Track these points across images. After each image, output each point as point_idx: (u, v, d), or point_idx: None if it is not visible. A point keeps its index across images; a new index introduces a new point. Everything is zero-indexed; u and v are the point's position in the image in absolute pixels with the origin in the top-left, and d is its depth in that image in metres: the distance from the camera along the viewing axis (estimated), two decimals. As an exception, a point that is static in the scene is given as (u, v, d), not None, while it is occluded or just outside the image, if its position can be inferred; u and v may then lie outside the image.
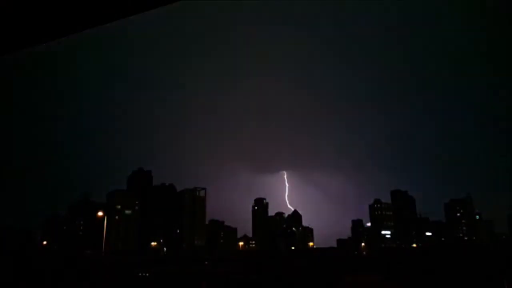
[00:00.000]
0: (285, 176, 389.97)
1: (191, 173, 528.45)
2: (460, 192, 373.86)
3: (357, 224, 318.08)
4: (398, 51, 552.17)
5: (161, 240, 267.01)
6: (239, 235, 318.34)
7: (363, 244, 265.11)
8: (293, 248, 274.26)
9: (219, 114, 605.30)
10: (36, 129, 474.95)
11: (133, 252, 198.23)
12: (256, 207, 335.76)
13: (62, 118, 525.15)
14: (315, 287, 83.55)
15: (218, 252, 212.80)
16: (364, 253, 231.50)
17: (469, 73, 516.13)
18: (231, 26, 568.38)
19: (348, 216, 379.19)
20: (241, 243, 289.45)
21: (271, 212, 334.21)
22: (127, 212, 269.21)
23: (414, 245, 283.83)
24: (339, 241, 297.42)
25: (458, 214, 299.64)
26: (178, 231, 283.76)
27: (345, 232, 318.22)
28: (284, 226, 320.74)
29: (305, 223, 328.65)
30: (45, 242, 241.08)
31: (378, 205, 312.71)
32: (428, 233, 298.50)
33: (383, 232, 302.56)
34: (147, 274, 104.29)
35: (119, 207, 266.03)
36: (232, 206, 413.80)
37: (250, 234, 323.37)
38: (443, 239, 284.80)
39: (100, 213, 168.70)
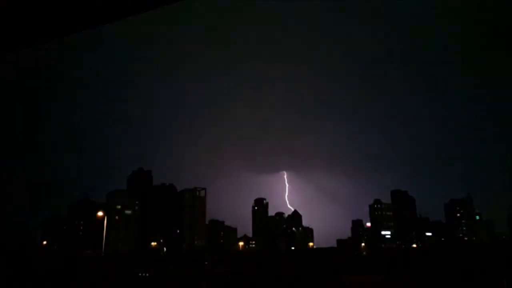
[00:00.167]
0: (285, 176, 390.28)
1: (191, 173, 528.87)
2: (460, 192, 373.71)
3: (357, 224, 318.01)
4: (398, 48, 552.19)
5: (161, 240, 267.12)
6: (239, 235, 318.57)
7: (363, 244, 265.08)
8: (293, 248, 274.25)
9: (219, 114, 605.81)
10: (36, 129, 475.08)
11: (133, 252, 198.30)
12: (256, 207, 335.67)
13: (62, 118, 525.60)
14: (315, 287, 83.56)
15: (218, 252, 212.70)
16: (364, 253, 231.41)
17: (469, 74, 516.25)
18: (231, 26, 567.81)
19: (348, 216, 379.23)
20: (241, 243, 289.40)
21: (271, 212, 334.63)
22: (127, 212, 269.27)
23: (414, 245, 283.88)
24: (339, 241, 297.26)
25: (458, 214, 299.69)
26: (178, 231, 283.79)
27: (345, 232, 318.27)
28: (284, 226, 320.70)
29: (305, 223, 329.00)
30: (45, 242, 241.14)
31: (378, 205, 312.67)
32: (428, 233, 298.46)
33: (383, 232, 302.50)
34: (147, 274, 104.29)
35: (119, 207, 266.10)
36: (232, 206, 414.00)
37: (250, 234, 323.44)
38: (443, 239, 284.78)
39: (100, 213, 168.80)
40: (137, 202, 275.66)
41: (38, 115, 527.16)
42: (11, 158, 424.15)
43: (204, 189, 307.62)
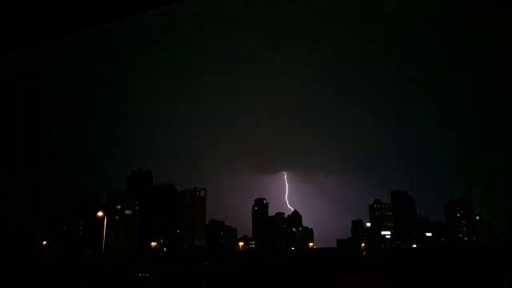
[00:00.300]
0: (285, 177, 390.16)
1: (191, 173, 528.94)
2: (460, 192, 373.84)
3: (357, 225, 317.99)
4: (397, 51, 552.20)
5: (161, 240, 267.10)
6: (239, 235, 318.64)
7: (363, 244, 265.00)
8: (293, 248, 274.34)
9: (219, 115, 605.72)
10: (35, 129, 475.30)
11: (133, 252, 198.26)
12: (256, 207, 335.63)
13: (62, 118, 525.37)
14: (315, 287, 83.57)
15: (218, 252, 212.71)
16: (364, 253, 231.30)
17: (469, 74, 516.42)
18: (232, 25, 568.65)
19: (348, 217, 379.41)
20: (241, 243, 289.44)
21: (271, 212, 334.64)
22: (127, 212, 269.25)
23: (414, 245, 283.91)
24: (339, 241, 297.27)
25: (458, 215, 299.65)
26: (178, 231, 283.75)
27: (345, 232, 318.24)
28: (284, 226, 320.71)
29: (305, 223, 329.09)
30: (45, 242, 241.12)
31: (378, 206, 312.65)
32: (428, 234, 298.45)
33: (383, 232, 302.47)
34: (147, 274, 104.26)
35: (119, 207, 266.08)
36: (232, 206, 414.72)
37: (250, 234, 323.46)
38: (443, 239, 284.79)
39: (100, 213, 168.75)
40: (137, 202, 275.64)
41: (38, 115, 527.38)
42: (11, 158, 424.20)
43: (204, 189, 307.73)
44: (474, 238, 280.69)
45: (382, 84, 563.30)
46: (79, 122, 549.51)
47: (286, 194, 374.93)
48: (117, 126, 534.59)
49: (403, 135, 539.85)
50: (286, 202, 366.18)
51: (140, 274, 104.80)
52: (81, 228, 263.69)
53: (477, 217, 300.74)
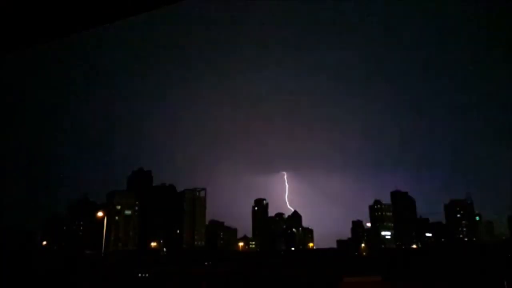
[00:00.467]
0: (285, 177, 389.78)
1: (191, 173, 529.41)
2: (460, 192, 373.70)
3: (357, 225, 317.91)
4: (401, 51, 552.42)
5: (161, 241, 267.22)
6: (239, 236, 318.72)
7: (363, 245, 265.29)
8: (293, 249, 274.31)
9: (219, 114, 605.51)
10: (35, 129, 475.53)
11: (133, 252, 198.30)
12: (256, 208, 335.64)
13: (61, 118, 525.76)
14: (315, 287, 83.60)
15: (218, 253, 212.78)
16: (364, 254, 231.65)
17: (469, 74, 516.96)
18: (234, 24, 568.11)
19: (348, 217, 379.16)
20: (241, 244, 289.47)
21: (271, 212, 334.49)
22: (127, 212, 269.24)
23: (414, 246, 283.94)
24: (339, 242, 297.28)
25: (458, 215, 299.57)
26: (178, 231, 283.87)
27: (345, 233, 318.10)
28: (284, 226, 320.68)
29: (305, 223, 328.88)
30: (45, 242, 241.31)
31: (378, 206, 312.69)
32: (428, 234, 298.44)
33: (383, 233, 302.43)
34: (147, 275, 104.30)
35: (119, 207, 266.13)
36: (232, 206, 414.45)
37: (250, 235, 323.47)
38: (443, 240, 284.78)
39: (100, 213, 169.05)
40: (137, 202, 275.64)
41: (38, 115, 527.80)
42: (11, 158, 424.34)
43: (204, 189, 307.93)
44: (474, 239, 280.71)
45: (383, 85, 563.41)
46: (79, 122, 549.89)
47: (286, 194, 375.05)
48: (117, 126, 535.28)
49: (403, 135, 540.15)
50: (286, 203, 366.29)
51: (140, 274, 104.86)
52: (81, 228, 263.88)
53: (477, 218, 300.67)
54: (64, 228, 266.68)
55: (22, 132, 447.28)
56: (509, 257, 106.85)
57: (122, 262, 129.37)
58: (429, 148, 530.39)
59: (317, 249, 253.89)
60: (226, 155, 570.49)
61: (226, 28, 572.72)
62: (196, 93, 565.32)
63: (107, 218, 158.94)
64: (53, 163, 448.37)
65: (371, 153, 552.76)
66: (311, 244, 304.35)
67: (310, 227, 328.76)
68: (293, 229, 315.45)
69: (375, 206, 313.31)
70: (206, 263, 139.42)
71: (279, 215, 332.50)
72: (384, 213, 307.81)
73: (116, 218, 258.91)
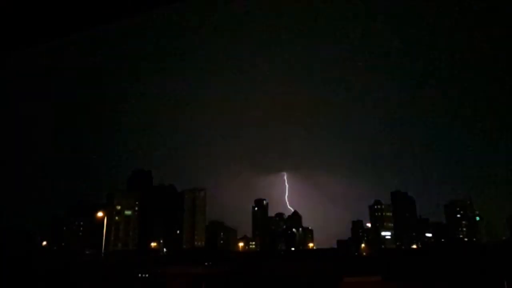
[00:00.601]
0: (285, 177, 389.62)
1: (191, 173, 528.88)
2: (460, 193, 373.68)
3: (357, 225, 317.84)
4: (397, 50, 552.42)
5: (161, 241, 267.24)
6: (239, 236, 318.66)
7: (363, 245, 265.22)
8: (293, 249, 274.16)
9: (219, 114, 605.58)
10: (35, 129, 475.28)
11: (133, 253, 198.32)
12: (256, 208, 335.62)
13: (61, 118, 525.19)
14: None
15: (218, 253, 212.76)
16: (364, 254, 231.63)
17: (468, 74, 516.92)
18: (233, 25, 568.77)
19: (348, 217, 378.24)
20: (241, 244, 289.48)
21: (271, 213, 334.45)
22: (127, 212, 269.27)
23: (414, 246, 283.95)
24: (339, 242, 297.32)
25: (458, 215, 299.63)
26: (178, 231, 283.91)
27: (345, 233, 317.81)
28: (284, 227, 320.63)
29: (305, 224, 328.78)
30: (45, 243, 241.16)
31: (378, 206, 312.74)
32: (428, 234, 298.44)
33: (383, 233, 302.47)
34: (147, 275, 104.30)
35: (119, 207, 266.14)
36: (232, 206, 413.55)
37: (250, 235, 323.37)
38: (443, 240, 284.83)
39: (100, 214, 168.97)
40: (137, 202, 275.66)
41: (37, 115, 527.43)
42: (11, 158, 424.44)
43: (204, 189, 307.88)
44: (474, 239, 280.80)
45: (384, 85, 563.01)
46: (79, 122, 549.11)
47: (286, 194, 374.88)
48: (117, 126, 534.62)
49: (403, 135, 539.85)
50: (286, 203, 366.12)
51: (140, 275, 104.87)
52: (81, 228, 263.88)
53: (477, 218, 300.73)
54: (64, 228, 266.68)
55: (22, 131, 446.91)
56: (509, 258, 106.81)
57: (122, 262, 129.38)
58: (429, 148, 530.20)
59: (317, 249, 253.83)
60: (226, 155, 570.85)
61: (226, 28, 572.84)
62: (196, 93, 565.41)
63: (107, 218, 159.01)
64: (53, 163, 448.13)
65: (371, 153, 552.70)
66: (311, 244, 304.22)
67: (310, 227, 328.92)
68: (293, 229, 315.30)
69: (375, 206, 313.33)
70: (206, 263, 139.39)
71: (279, 215, 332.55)
72: (384, 213, 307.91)
73: (116, 218, 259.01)
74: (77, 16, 5.45)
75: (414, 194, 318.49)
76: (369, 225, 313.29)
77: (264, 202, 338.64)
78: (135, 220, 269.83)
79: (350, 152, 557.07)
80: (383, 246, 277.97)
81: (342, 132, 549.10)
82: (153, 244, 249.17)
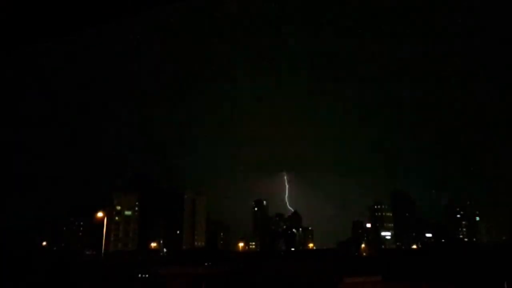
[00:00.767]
0: (285, 177, 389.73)
1: (191, 173, 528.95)
2: (460, 193, 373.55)
3: (357, 225, 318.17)
4: (397, 51, 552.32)
5: (161, 241, 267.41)
6: (239, 236, 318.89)
7: (363, 245, 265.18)
8: (293, 249, 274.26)
9: (219, 114, 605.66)
10: (35, 129, 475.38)
11: (133, 253, 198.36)
12: (256, 208, 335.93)
13: (61, 118, 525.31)
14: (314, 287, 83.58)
15: (218, 253, 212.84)
16: (364, 254, 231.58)
17: (469, 74, 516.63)
18: (233, 24, 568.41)
19: (348, 217, 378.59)
20: (240, 244, 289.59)
21: (271, 213, 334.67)
22: (127, 213, 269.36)
23: (414, 246, 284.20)
24: (339, 242, 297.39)
25: (458, 216, 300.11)
26: (178, 231, 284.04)
27: (345, 233, 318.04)
28: (284, 227, 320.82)
29: (305, 224, 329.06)
30: (45, 243, 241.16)
31: (378, 206, 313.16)
32: (428, 235, 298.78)
33: (383, 233, 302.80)
34: (147, 275, 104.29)
35: (119, 208, 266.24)
36: (232, 206, 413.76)
37: (250, 235, 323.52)
38: (443, 240, 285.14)
39: (99, 214, 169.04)
40: (137, 202, 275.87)
41: (37, 115, 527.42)
42: (11, 158, 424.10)
43: (204, 189, 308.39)
44: (474, 239, 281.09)
45: (383, 86, 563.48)
46: (79, 122, 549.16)
47: (286, 194, 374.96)
48: (117, 126, 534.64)
49: (403, 135, 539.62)
50: (286, 203, 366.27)
51: (140, 275, 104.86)
52: (81, 228, 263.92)
53: (477, 218, 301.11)
54: (64, 228, 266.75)
55: (21, 132, 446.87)
56: (509, 258, 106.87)
57: (122, 262, 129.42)
58: (429, 148, 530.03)
59: (317, 249, 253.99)
60: (226, 155, 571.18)
61: (226, 29, 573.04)
62: (195, 93, 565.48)
63: (107, 218, 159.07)
64: (53, 163, 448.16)
65: (372, 153, 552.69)
66: (311, 245, 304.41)
67: (310, 227, 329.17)
68: (293, 230, 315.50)
69: (375, 206, 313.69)
70: (206, 263, 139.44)
71: (279, 215, 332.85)
72: (384, 214, 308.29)
73: (116, 218, 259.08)
74: (77, 16, 5.45)
75: (414, 194, 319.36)
76: (369, 225, 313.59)
77: (264, 202, 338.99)
78: (135, 220, 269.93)
79: (350, 152, 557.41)
80: (383, 246, 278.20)
81: (342, 133, 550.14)
82: (153, 245, 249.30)
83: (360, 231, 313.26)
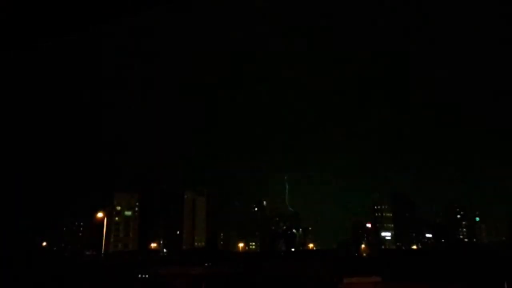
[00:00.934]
0: (285, 177, 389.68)
1: (191, 173, 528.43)
2: (460, 193, 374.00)
3: (357, 226, 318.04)
4: (396, 54, 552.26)
5: (161, 241, 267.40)
6: (238, 236, 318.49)
7: (363, 245, 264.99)
8: (293, 249, 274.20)
9: (219, 114, 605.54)
10: (35, 129, 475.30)
11: (133, 253, 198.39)
12: (256, 208, 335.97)
13: (62, 119, 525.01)
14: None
15: (218, 253, 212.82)
16: (364, 254, 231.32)
17: (468, 74, 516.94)
18: (233, 25, 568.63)
19: (348, 217, 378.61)
20: (240, 244, 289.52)
21: (271, 213, 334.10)
22: (127, 213, 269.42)
23: (414, 246, 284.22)
24: (339, 242, 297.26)
25: (458, 216, 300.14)
26: (178, 232, 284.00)
27: (345, 233, 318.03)
28: (284, 227, 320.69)
29: (305, 224, 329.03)
30: (44, 243, 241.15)
31: (378, 207, 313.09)
32: (428, 235, 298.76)
33: (383, 233, 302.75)
34: (147, 275, 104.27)
35: (119, 208, 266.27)
36: (232, 206, 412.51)
37: (250, 235, 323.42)
38: (443, 240, 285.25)
39: (100, 214, 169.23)
40: (137, 203, 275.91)
41: (37, 114, 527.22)
42: (10, 158, 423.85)
43: (204, 189, 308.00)
44: (475, 239, 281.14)
45: (382, 84, 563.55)
46: (79, 122, 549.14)
47: (286, 195, 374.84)
48: (116, 126, 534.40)
49: (403, 135, 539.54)
50: (286, 203, 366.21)
51: (140, 275, 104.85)
52: (81, 229, 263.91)
53: (477, 218, 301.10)
54: (64, 228, 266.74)
55: (21, 132, 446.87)
56: (509, 258, 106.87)
57: (122, 262, 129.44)
58: (429, 148, 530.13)
59: (317, 250, 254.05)
60: (225, 155, 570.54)
61: (226, 29, 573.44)
62: (195, 93, 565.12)
63: (107, 219, 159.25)
64: (52, 163, 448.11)
65: (372, 153, 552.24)
66: (311, 245, 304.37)
67: (310, 228, 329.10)
68: (293, 230, 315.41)
69: (375, 207, 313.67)
70: (206, 264, 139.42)
71: (279, 215, 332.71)
72: (384, 214, 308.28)
73: (116, 218, 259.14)
74: (77, 16, 5.45)
75: (414, 194, 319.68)
76: (369, 225, 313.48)
77: (264, 202, 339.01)
78: (135, 221, 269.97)
79: (350, 152, 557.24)
80: (383, 247, 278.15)
81: (342, 132, 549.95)
82: (153, 245, 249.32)
83: (360, 231, 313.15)
